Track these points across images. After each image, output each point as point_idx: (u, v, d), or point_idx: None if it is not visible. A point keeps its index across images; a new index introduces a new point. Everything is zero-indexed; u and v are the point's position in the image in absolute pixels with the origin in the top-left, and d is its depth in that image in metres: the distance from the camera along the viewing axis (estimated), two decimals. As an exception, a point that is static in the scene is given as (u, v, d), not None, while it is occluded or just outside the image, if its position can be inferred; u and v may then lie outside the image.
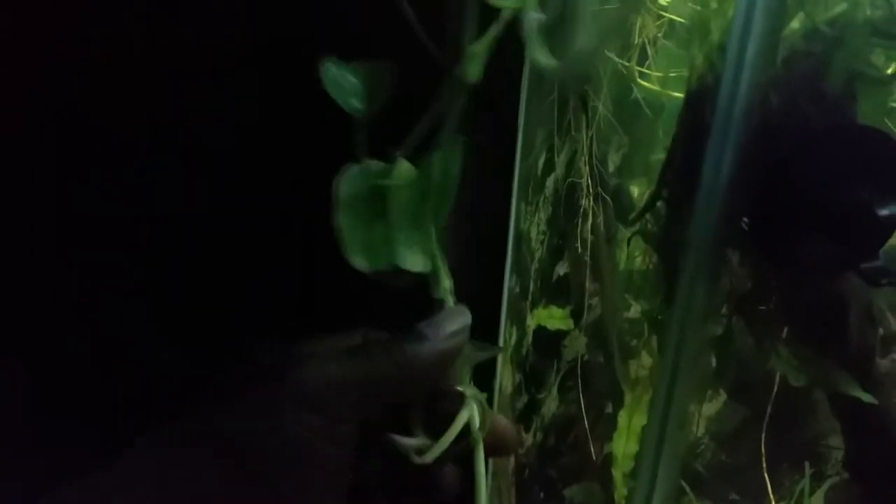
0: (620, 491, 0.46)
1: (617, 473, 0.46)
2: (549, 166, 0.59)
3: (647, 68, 0.43)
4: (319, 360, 0.31)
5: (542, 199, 0.61)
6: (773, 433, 0.36)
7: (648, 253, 0.40)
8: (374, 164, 0.41)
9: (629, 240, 0.41)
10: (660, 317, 0.38)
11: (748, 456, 0.38)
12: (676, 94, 0.38)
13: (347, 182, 0.42)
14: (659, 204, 0.36)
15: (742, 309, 0.32)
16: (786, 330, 0.32)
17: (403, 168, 0.44)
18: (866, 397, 0.28)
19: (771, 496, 0.36)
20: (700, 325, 0.30)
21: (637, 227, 0.40)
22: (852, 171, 0.27)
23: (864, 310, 0.28)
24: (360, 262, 0.41)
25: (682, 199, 0.33)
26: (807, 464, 0.36)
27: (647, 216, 0.38)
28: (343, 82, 0.41)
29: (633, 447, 0.44)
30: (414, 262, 0.40)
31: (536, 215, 0.61)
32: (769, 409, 0.35)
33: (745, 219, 0.30)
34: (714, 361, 0.35)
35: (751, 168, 0.28)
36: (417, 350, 0.30)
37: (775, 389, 0.35)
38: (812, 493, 0.37)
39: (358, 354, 0.30)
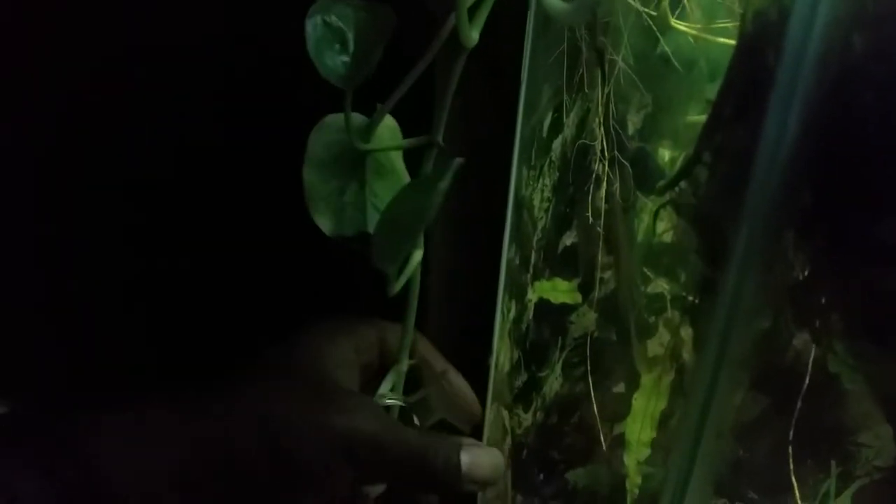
0: (633, 479, 0.43)
1: (630, 460, 0.43)
2: (557, 127, 0.54)
3: (679, 18, 0.37)
4: (379, 422, 0.33)
5: (547, 163, 0.56)
6: (800, 428, 0.32)
7: (681, 227, 0.36)
8: (355, 118, 0.36)
9: (657, 211, 0.37)
10: (694, 300, 0.34)
11: (769, 452, 0.34)
12: (723, 41, 0.33)
13: (321, 136, 0.37)
14: (697, 170, 0.32)
15: (795, 300, 0.28)
16: (845, 324, 0.28)
17: (386, 127, 0.39)
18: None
19: (797, 497, 0.33)
20: (750, 319, 0.26)
21: (668, 196, 0.36)
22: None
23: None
24: (323, 222, 0.37)
25: (731, 164, 0.28)
26: (833, 463, 0.33)
27: (682, 184, 0.33)
28: (330, 40, 0.36)
29: (649, 433, 0.41)
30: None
31: (540, 181, 0.57)
32: (799, 403, 0.31)
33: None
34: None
35: (824, 128, 0.24)
36: (452, 476, 0.33)
37: (807, 381, 0.31)
38: (838, 494, 0.33)
39: (412, 441, 0.33)
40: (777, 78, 0.23)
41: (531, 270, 0.58)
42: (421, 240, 0.40)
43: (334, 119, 0.37)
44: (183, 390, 0.32)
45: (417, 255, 0.39)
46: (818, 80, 0.23)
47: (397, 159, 0.41)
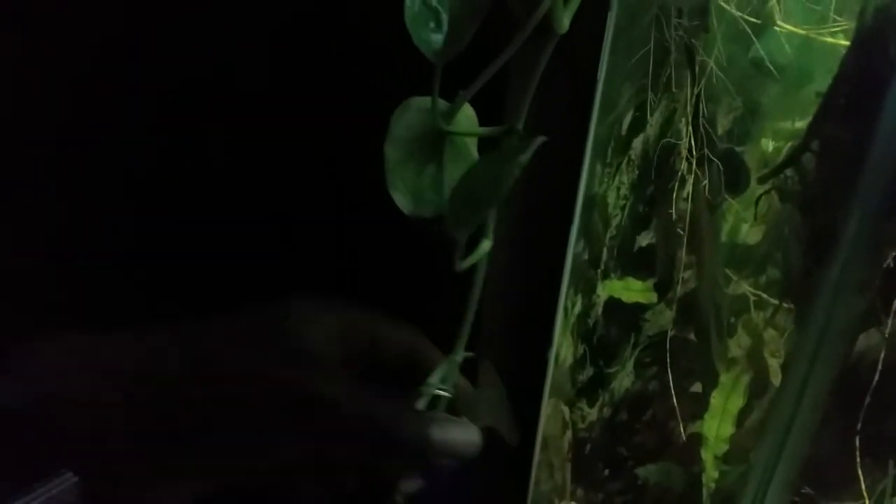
0: (710, 473, 0.43)
1: (707, 455, 0.43)
2: (638, 126, 0.54)
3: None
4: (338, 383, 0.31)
5: (625, 161, 0.56)
6: (866, 425, 0.32)
7: (784, 213, 0.36)
8: (440, 104, 0.38)
9: (758, 199, 0.37)
10: (795, 284, 0.34)
11: (828, 448, 0.34)
12: (834, 40, 0.33)
13: (404, 115, 0.39)
14: (805, 158, 0.32)
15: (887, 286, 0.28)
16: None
17: (464, 115, 0.41)
18: None
19: (865, 494, 0.33)
20: (855, 299, 0.27)
21: (770, 184, 0.36)
22: None
23: None
24: (402, 200, 0.38)
25: (843, 151, 0.29)
26: (891, 462, 0.33)
27: (788, 172, 0.34)
28: (426, 16, 0.37)
29: (728, 429, 0.41)
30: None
31: (617, 178, 0.57)
32: (868, 399, 0.31)
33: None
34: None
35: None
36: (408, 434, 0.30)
37: (877, 377, 0.31)
38: (895, 493, 0.33)
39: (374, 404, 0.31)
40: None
41: (601, 267, 0.59)
42: (490, 229, 0.40)
43: (418, 101, 0.38)
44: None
45: (486, 245, 0.39)
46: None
47: (473, 147, 0.42)
